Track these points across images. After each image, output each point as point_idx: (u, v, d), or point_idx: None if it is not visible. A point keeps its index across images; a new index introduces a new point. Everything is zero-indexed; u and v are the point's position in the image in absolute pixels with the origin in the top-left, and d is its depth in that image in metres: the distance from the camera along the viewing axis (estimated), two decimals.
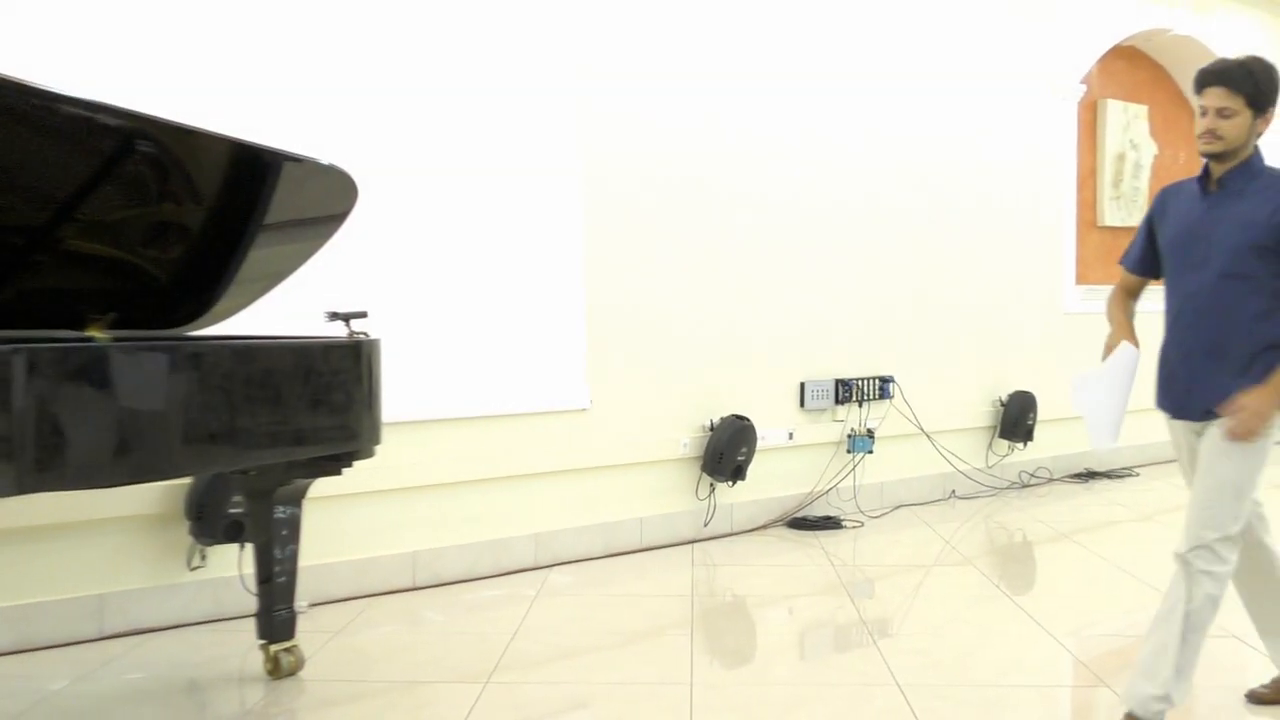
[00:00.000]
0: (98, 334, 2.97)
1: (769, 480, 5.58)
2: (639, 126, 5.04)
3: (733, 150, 5.39)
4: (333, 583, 4.15)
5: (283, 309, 3.52)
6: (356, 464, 3.25)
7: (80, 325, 2.98)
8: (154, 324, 3.22)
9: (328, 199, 3.27)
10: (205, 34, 3.85)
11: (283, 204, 3.17)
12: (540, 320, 4.74)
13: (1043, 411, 6.66)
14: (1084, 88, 7.20)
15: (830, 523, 5.62)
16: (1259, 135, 2.92)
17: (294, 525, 3.28)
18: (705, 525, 5.34)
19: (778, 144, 5.56)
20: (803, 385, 5.73)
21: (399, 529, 4.36)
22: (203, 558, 3.87)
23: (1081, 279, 7.29)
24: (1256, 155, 2.94)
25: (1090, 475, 7.15)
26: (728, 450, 5.23)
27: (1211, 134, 2.88)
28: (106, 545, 3.70)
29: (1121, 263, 3.25)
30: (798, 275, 5.62)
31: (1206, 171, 2.98)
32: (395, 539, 4.35)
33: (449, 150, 4.47)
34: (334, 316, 3.30)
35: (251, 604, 3.39)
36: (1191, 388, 2.93)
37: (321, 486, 3.42)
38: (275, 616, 3.28)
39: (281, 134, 3.43)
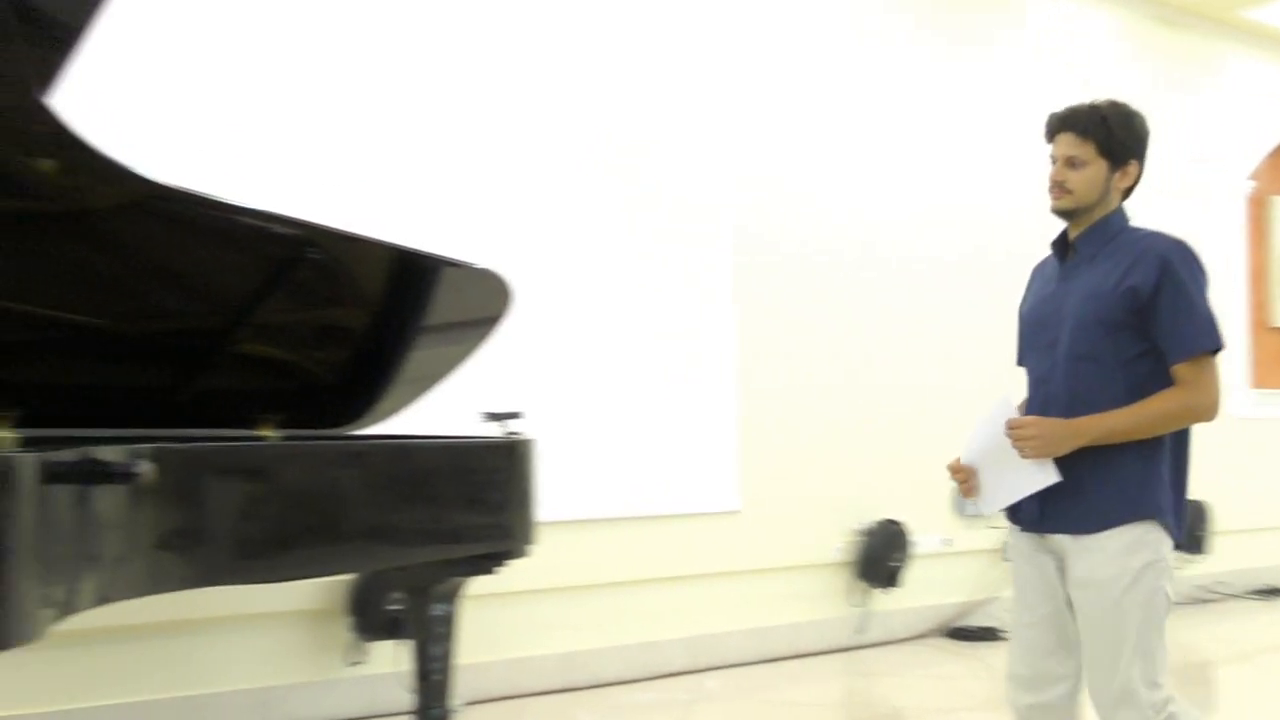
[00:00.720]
0: (268, 433, 3.09)
1: (925, 587, 5.41)
2: (789, 226, 5.06)
3: (885, 256, 5.36)
4: (488, 682, 4.16)
5: (440, 410, 3.61)
6: (511, 563, 3.27)
7: (251, 425, 3.10)
8: (319, 423, 3.33)
9: (485, 302, 3.36)
10: (365, 143, 4.04)
11: (442, 307, 3.26)
12: (693, 421, 4.75)
13: (1220, 522, 6.32)
14: (1253, 183, 6.96)
15: (990, 634, 5.41)
16: (1122, 193, 2.54)
17: (450, 623, 3.31)
18: (859, 632, 5.20)
19: (933, 255, 5.51)
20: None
21: (553, 629, 4.36)
22: (362, 654, 3.93)
23: (1258, 383, 6.96)
24: (1117, 214, 2.54)
25: (1275, 592, 6.72)
26: (881, 556, 5.11)
27: (1058, 186, 2.51)
28: (271, 639, 3.80)
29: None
30: (953, 376, 5.51)
31: (1063, 236, 2.61)
32: (549, 639, 4.35)
33: (600, 251, 4.56)
34: (490, 417, 3.36)
35: (407, 702, 3.42)
36: (1049, 497, 2.47)
37: (478, 585, 3.45)
38: (430, 715, 3.30)
39: (446, 237, 3.56)
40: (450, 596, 3.31)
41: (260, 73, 3.91)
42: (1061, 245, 2.60)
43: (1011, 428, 2.45)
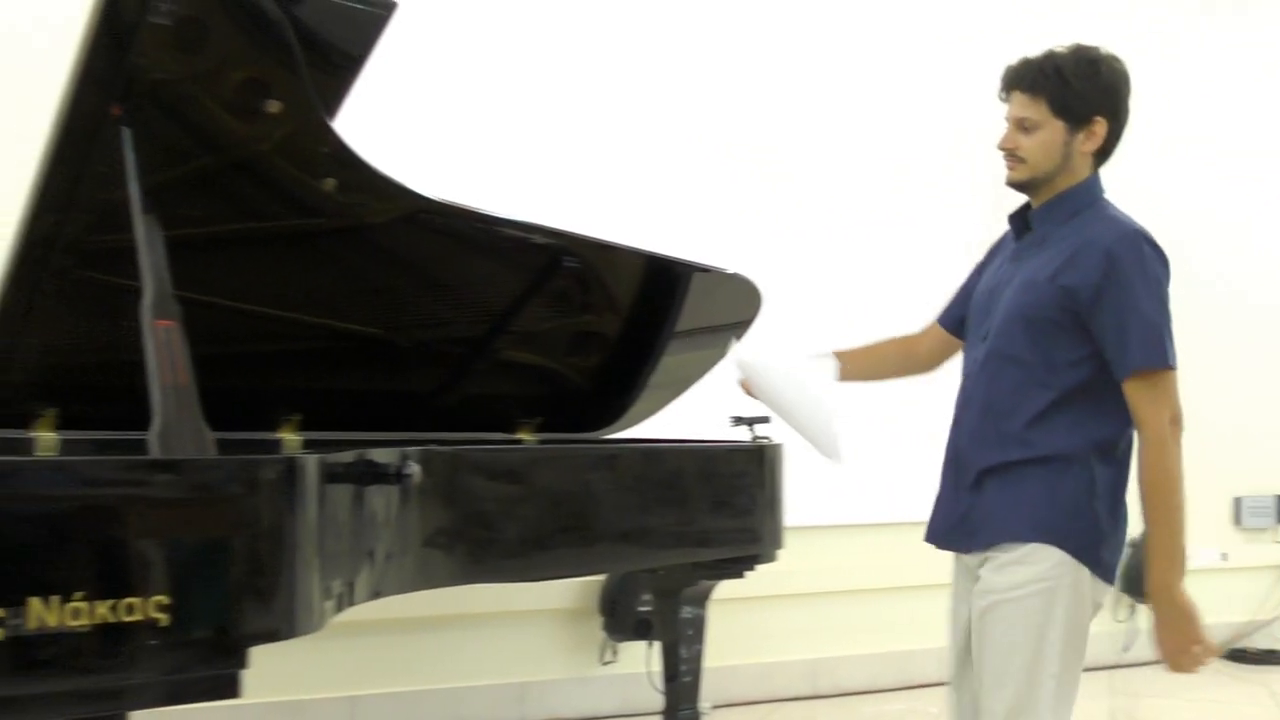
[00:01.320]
0: (526, 437, 3.20)
1: (1199, 604, 5.06)
2: None
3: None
4: (736, 685, 4.17)
5: (690, 414, 3.64)
6: (759, 567, 3.27)
7: (511, 429, 3.22)
8: (574, 427, 3.43)
9: (734, 306, 3.37)
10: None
11: (692, 312, 3.30)
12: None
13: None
14: None
15: (1274, 657, 5.02)
16: (1092, 159, 2.12)
17: (699, 626, 3.34)
18: (1125, 650, 4.92)
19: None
20: (1238, 501, 5.20)
21: (801, 635, 4.34)
22: (614, 653, 4.02)
23: None
24: (1085, 187, 2.13)
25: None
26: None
27: (1009, 155, 2.13)
28: (528, 636, 3.94)
29: (938, 315, 2.51)
30: (1228, 373, 5.13)
31: (1023, 211, 2.22)
32: (796, 645, 4.33)
33: (850, 254, 4.50)
34: (738, 421, 3.37)
35: (657, 701, 3.47)
36: (956, 505, 2.23)
37: (726, 588, 3.46)
38: (679, 715, 3.33)
39: (686, 242, 3.60)
40: (699, 599, 3.35)
41: (500, 94, 4.06)
42: (1019, 219, 2.20)
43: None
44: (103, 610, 1.60)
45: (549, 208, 3.12)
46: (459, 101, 3.90)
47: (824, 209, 4.50)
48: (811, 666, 4.31)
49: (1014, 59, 2.11)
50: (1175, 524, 2.03)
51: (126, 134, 2.03)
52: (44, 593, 1.55)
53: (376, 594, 2.24)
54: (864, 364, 2.52)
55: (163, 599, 1.65)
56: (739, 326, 3.45)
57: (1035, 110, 2.06)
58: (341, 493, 2.04)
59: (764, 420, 3.36)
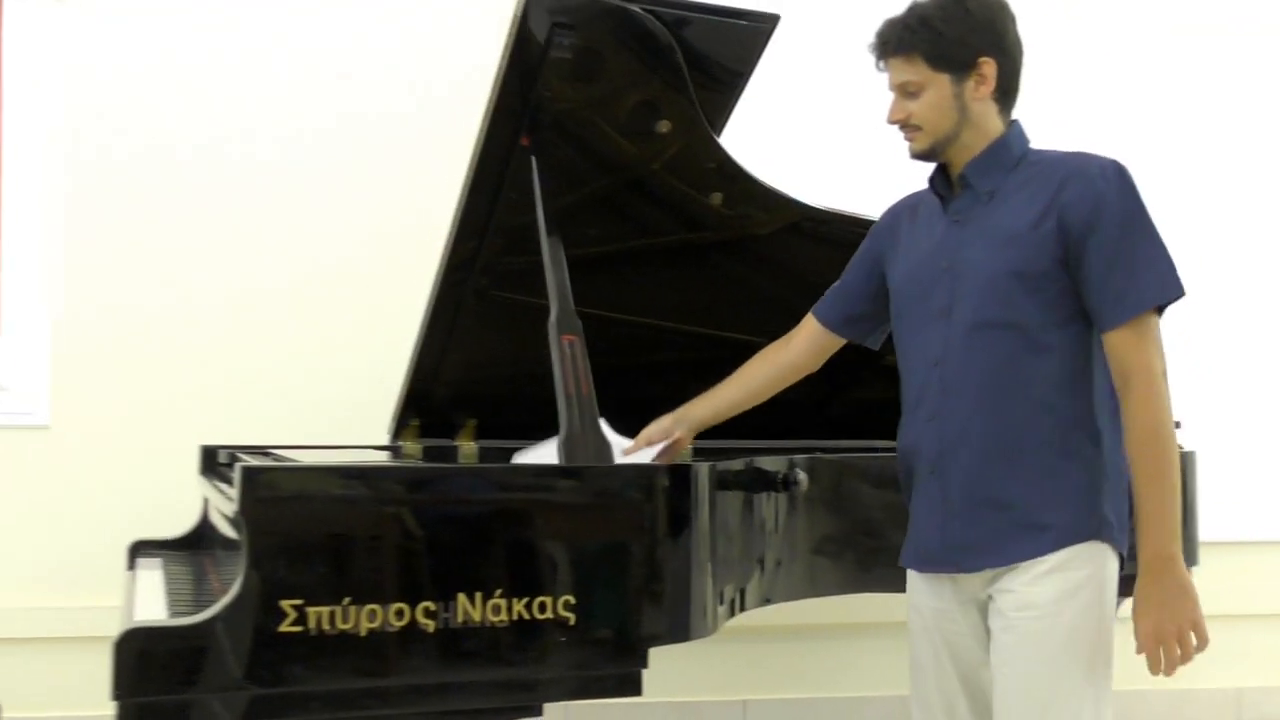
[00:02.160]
0: None
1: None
2: None
3: None
4: (1146, 713, 3.91)
5: None
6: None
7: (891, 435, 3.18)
8: None
9: None
10: None
11: None
12: None
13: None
14: None
15: None
16: (997, 104, 1.87)
17: None
18: None
19: None
20: None
21: (1220, 660, 3.98)
22: None
23: None
24: (1011, 135, 1.88)
25: None
26: None
27: (903, 127, 1.89)
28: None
29: (814, 310, 2.17)
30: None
31: (942, 173, 1.94)
32: (1216, 671, 3.99)
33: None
34: None
35: None
36: (956, 519, 1.84)
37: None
38: None
39: None
40: None
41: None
42: (943, 181, 1.94)
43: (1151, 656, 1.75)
44: (518, 607, 1.73)
45: None
46: (837, 106, 3.90)
47: None
48: (1234, 696, 3.95)
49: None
50: (1174, 484, 1.75)
51: (534, 162, 2.19)
52: (469, 589, 1.70)
53: (767, 600, 2.28)
54: (730, 399, 2.19)
55: (569, 598, 1.76)
56: None
57: (914, 71, 1.85)
58: (732, 500, 2.10)
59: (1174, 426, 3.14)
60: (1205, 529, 3.15)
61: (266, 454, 2.73)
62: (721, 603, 2.03)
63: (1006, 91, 1.88)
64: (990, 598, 1.84)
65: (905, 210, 2.06)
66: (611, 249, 2.58)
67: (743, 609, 2.16)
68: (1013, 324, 1.80)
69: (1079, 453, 1.80)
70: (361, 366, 3.42)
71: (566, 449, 1.93)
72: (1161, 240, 1.78)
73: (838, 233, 2.63)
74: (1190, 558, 3.04)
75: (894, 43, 1.85)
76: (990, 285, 1.82)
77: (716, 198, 2.48)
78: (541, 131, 2.21)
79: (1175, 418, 2.92)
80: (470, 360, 2.65)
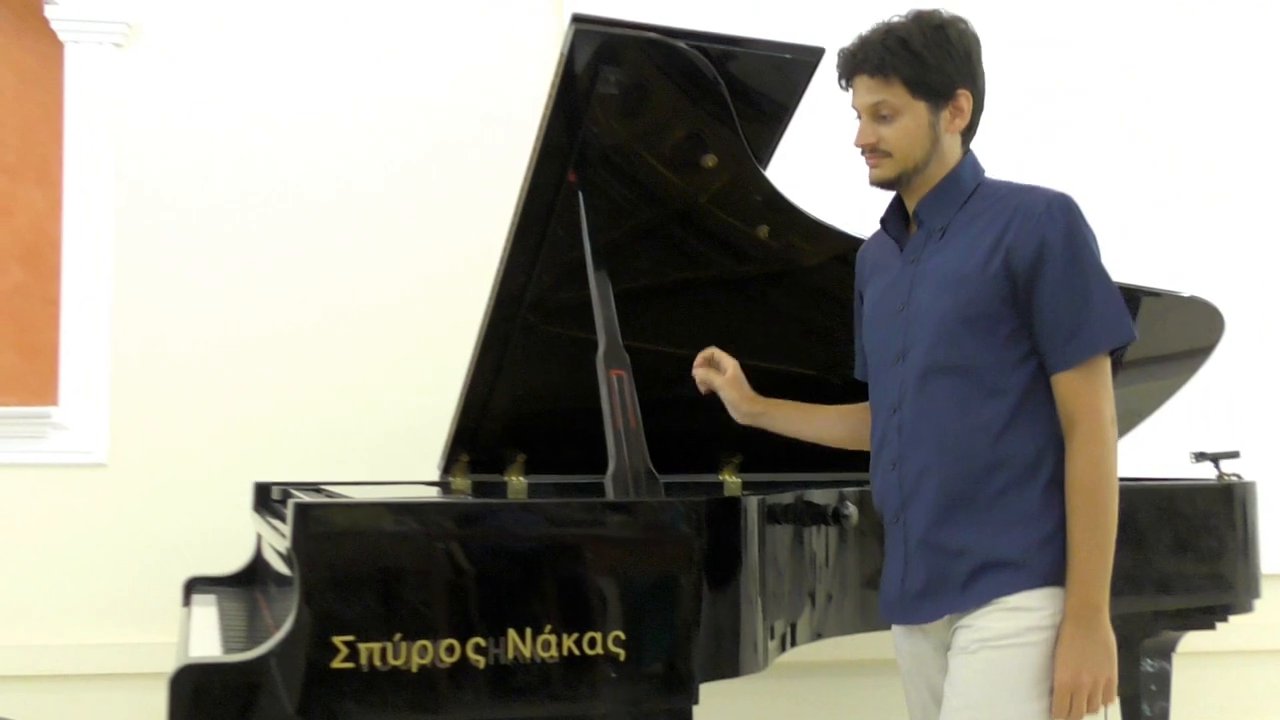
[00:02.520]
0: None
1: None
2: None
3: None
4: None
5: (1146, 449, 3.41)
6: (1233, 619, 2.99)
7: None
8: None
9: (1191, 332, 3.14)
10: None
11: (1143, 340, 3.09)
12: None
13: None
14: None
15: None
16: (962, 137, 1.82)
17: (1163, 681, 3.09)
18: None
19: None
20: None
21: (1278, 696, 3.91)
22: None
23: None
24: (965, 167, 1.82)
25: None
26: None
27: (872, 152, 1.80)
28: None
29: (857, 374, 2.08)
30: None
31: (897, 204, 1.89)
32: (1275, 708, 3.90)
33: None
34: (1201, 457, 3.12)
35: None
36: (913, 567, 1.80)
37: (1195, 641, 3.19)
38: None
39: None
40: (1163, 652, 3.10)
41: None
42: (899, 218, 1.89)
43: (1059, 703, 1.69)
44: (569, 643, 1.73)
45: None
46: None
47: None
48: None
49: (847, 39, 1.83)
50: (1109, 533, 1.73)
51: (581, 197, 2.21)
52: (520, 625, 1.70)
53: (818, 635, 2.26)
54: (807, 425, 2.13)
55: (620, 634, 1.76)
56: (1198, 354, 3.21)
57: (890, 93, 1.76)
58: (782, 533, 2.08)
59: (1232, 455, 3.09)
60: (1268, 561, 3.08)
61: (319, 490, 2.75)
62: (772, 638, 2.01)
63: (972, 126, 1.84)
64: (953, 635, 1.79)
65: (870, 251, 2.02)
66: (659, 282, 2.59)
67: (793, 644, 2.15)
68: (965, 367, 1.76)
69: (1035, 497, 1.75)
70: (411, 402, 3.46)
71: (616, 483, 1.93)
72: (1110, 279, 1.74)
73: None
74: (1253, 591, 2.98)
75: (872, 62, 1.76)
76: (940, 328, 1.77)
77: (763, 230, 2.48)
78: (588, 167, 2.23)
79: (1228, 449, 2.90)
80: (519, 395, 2.66)
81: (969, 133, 1.84)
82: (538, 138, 2.17)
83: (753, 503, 1.94)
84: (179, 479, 3.42)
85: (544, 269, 2.41)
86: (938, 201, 1.81)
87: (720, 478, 2.82)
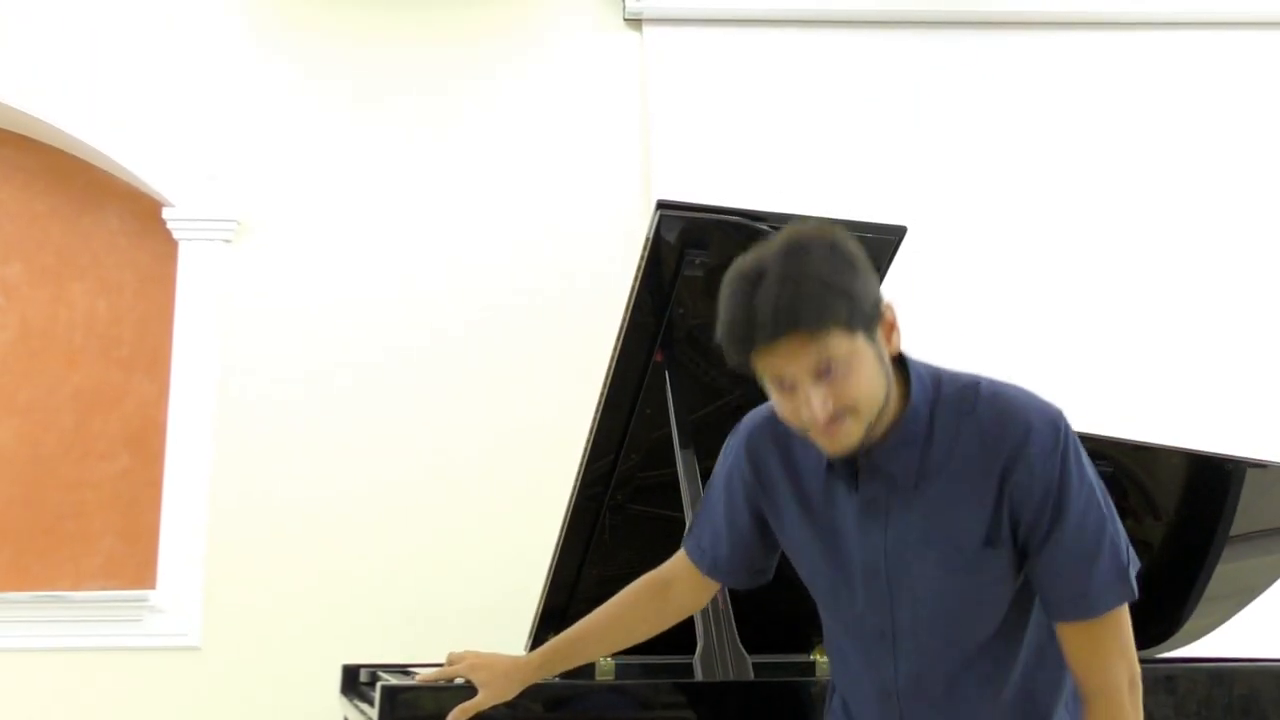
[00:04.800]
0: None
1: None
2: None
3: None
4: None
5: (1264, 625, 3.27)
6: None
7: None
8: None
9: None
10: None
11: (1249, 511, 3.00)
12: None
13: None
14: None
15: None
16: (896, 353, 1.46)
17: None
18: None
19: None
20: None
21: None
22: None
23: None
24: (915, 390, 1.48)
25: None
26: None
27: (834, 426, 1.40)
28: None
29: (686, 548, 1.74)
30: None
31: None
32: None
33: None
34: None
35: None
36: None
37: None
38: None
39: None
40: None
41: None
42: (848, 467, 1.51)
43: None
44: None
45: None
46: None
47: None
48: None
49: (736, 310, 1.44)
50: None
51: (668, 376, 2.24)
52: None
53: None
54: (600, 639, 1.78)
55: None
56: None
57: (835, 345, 1.37)
58: None
59: None
60: None
61: (406, 672, 2.73)
62: None
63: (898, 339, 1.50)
64: None
65: (765, 445, 1.64)
66: None
67: None
68: (972, 645, 1.52)
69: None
70: (498, 579, 3.45)
71: (704, 663, 1.89)
72: (1110, 509, 1.50)
73: None
74: None
75: (808, 318, 1.36)
76: (943, 612, 1.51)
77: None
78: (676, 346, 2.26)
79: None
80: (606, 575, 2.64)
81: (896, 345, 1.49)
82: (624, 316, 2.22)
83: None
84: (270, 661, 3.44)
85: (632, 448, 2.42)
86: (902, 445, 1.48)
87: (811, 658, 2.75)
